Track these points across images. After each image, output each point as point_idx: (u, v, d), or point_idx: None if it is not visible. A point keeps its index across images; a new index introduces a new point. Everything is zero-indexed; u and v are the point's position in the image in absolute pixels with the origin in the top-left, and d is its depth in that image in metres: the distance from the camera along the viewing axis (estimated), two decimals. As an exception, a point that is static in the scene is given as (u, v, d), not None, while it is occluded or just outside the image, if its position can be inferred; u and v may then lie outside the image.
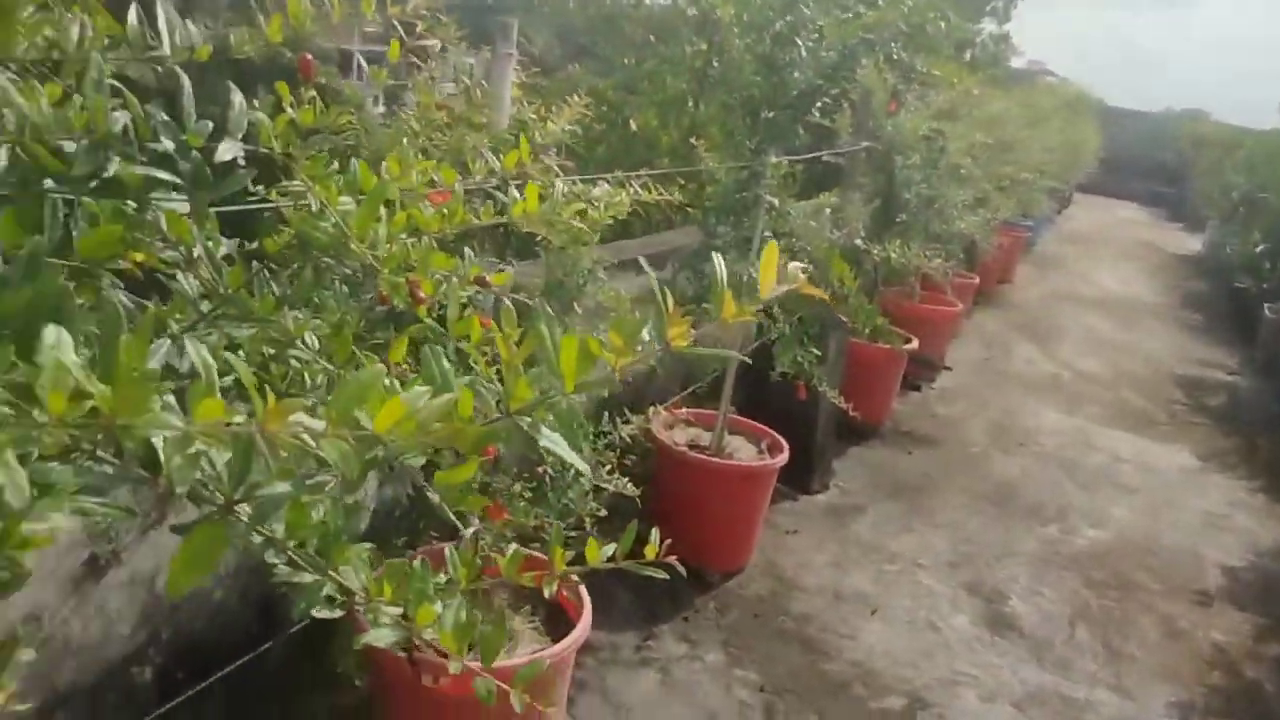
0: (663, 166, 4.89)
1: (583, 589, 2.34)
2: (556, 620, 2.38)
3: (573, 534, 2.57)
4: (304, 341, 1.33)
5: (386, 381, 0.59)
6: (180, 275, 1.24)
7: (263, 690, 2.40)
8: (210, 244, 1.16)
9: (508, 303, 0.86)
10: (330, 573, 0.83)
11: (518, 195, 1.19)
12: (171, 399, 0.68)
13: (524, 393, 0.69)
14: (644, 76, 5.08)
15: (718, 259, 0.77)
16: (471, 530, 2.34)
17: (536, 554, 2.52)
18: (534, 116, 2.12)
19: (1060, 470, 5.35)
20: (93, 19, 1.05)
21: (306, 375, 1.41)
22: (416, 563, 0.93)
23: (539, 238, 2.49)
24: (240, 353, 1.39)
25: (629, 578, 1.33)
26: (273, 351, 1.39)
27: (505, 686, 1.12)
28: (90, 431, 0.61)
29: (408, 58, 1.76)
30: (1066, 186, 14.03)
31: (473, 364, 1.00)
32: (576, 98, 2.13)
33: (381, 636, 0.92)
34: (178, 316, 1.19)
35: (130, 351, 0.56)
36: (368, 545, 0.89)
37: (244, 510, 0.78)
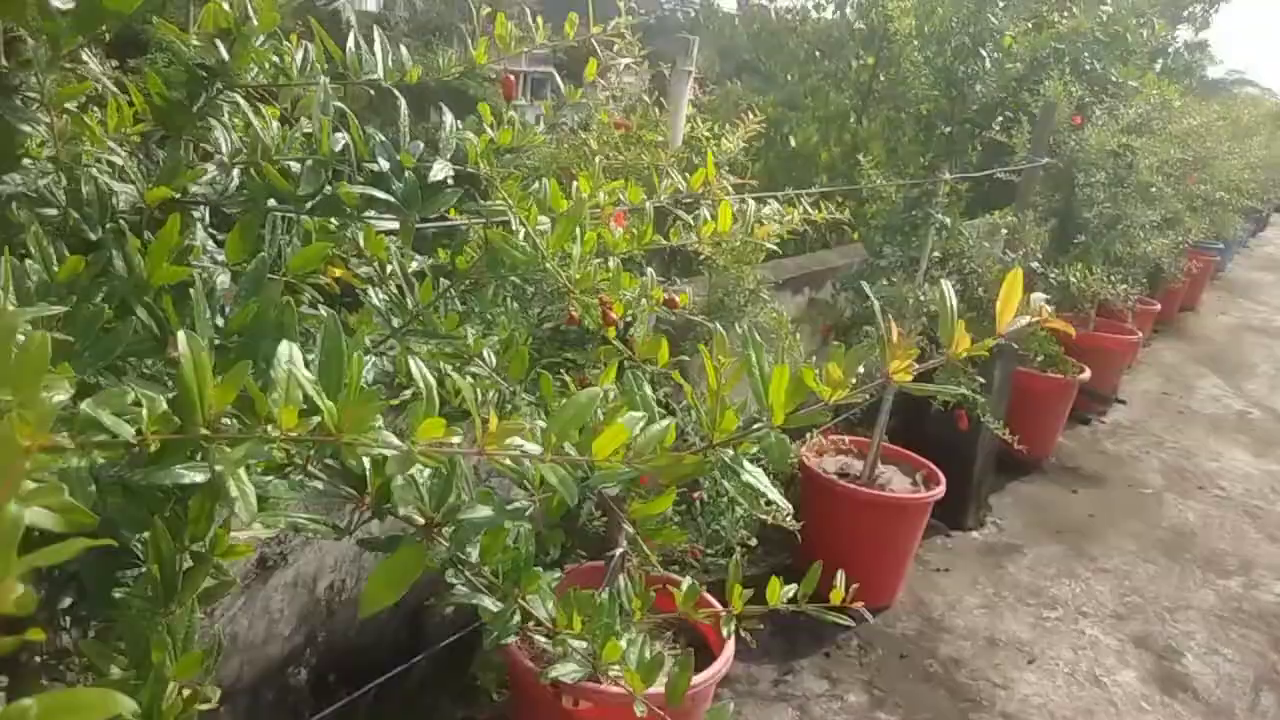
0: (821, 184, 4.79)
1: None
2: (696, 648, 2.34)
3: (720, 560, 2.52)
4: (482, 358, 1.35)
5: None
6: (371, 290, 1.29)
7: (404, 697, 2.48)
8: (403, 260, 1.19)
9: (718, 328, 0.83)
10: (519, 600, 0.83)
11: (707, 215, 1.16)
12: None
13: (729, 424, 0.66)
14: (806, 92, 4.99)
15: (945, 286, 0.71)
16: (620, 551, 2.34)
17: (673, 576, 2.50)
18: (707, 134, 2.10)
19: (1245, 518, 4.88)
20: (315, 46, 1.10)
21: (479, 391, 1.43)
22: (604, 595, 0.92)
23: (702, 256, 2.48)
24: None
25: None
26: (450, 367, 1.42)
27: (659, 712, 1.09)
28: (314, 447, 0.62)
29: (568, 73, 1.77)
30: (1264, 207, 12.88)
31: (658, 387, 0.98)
32: (750, 114, 2.09)
33: (569, 671, 0.91)
34: (367, 331, 1.23)
35: (356, 368, 0.57)
36: (556, 575, 0.88)
37: (444, 532, 0.78)
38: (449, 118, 0.97)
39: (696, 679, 2.09)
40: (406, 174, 0.89)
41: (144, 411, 0.54)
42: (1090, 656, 3.44)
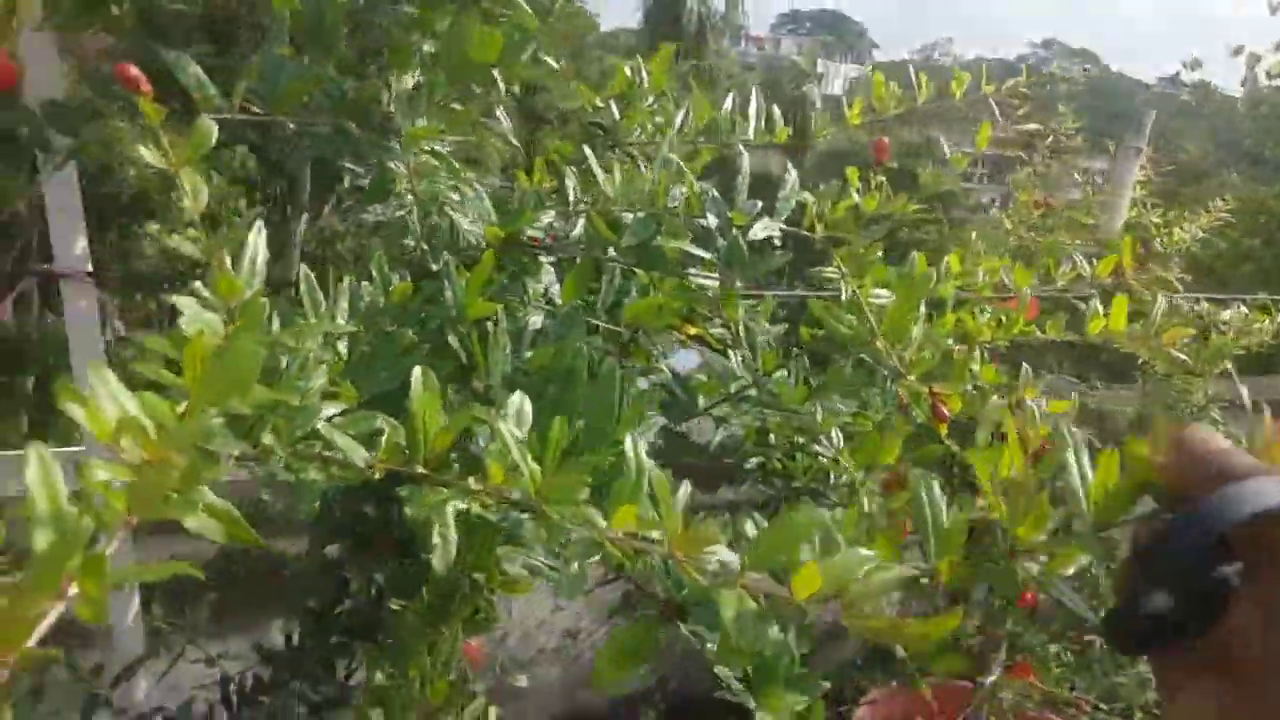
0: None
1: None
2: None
3: (1112, 721, 2.07)
4: (828, 438, 1.24)
5: (829, 533, 0.46)
6: (730, 352, 1.26)
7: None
8: (752, 325, 1.14)
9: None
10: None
11: (1099, 308, 0.95)
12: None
13: (1042, 519, 0.50)
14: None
15: None
16: (989, 680, 2.03)
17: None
18: (1156, 220, 1.77)
19: None
20: (693, 107, 1.12)
21: (831, 473, 1.33)
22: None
23: (1140, 360, 2.09)
24: (770, 437, 1.37)
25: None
26: (800, 440, 1.34)
27: None
28: (513, 506, 0.58)
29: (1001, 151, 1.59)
30: None
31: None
32: (1220, 203, 1.72)
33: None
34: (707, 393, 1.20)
35: (556, 435, 0.52)
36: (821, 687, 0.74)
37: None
38: (791, 175, 0.90)
39: None
40: (733, 232, 0.84)
41: (383, 440, 0.55)
42: None
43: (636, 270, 0.95)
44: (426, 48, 0.84)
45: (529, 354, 0.79)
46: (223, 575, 2.03)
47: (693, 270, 0.87)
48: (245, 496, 0.62)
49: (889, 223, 1.01)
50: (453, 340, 0.76)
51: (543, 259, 0.93)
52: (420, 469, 0.54)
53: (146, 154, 0.55)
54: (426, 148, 0.84)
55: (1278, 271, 4.53)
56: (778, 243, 0.88)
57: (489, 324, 0.73)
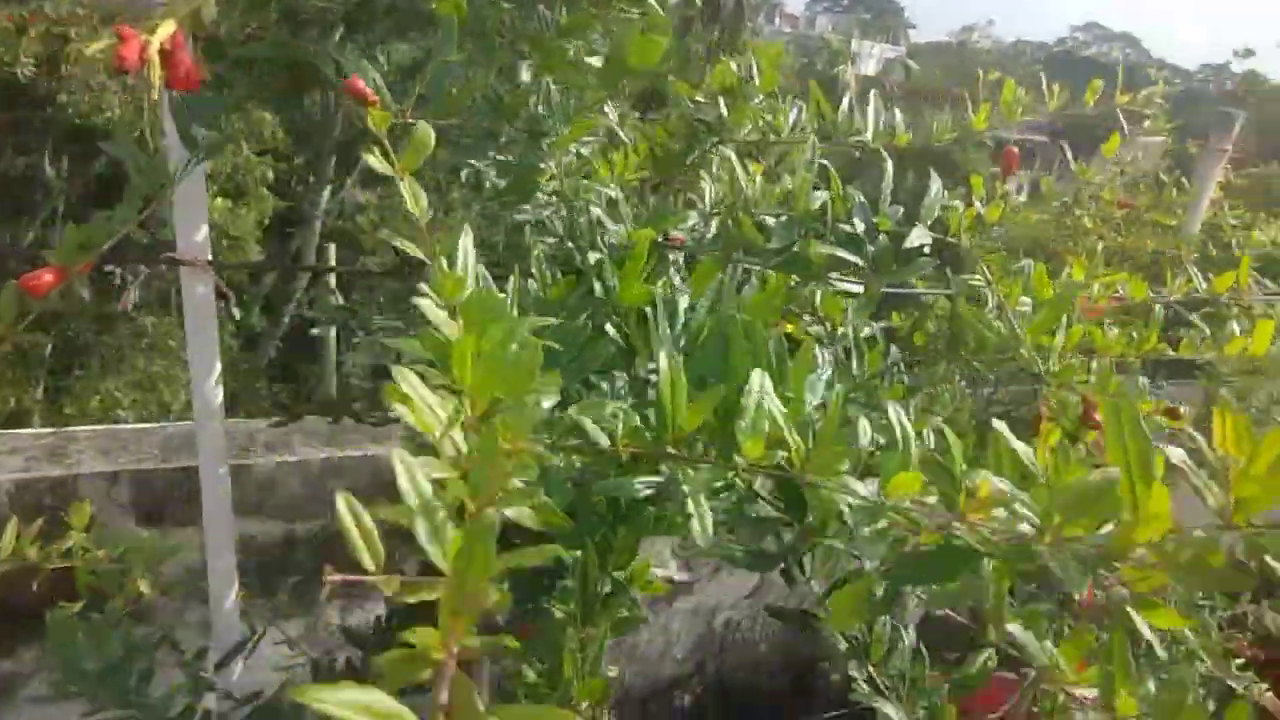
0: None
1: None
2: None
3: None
4: (920, 436, 1.26)
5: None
6: (819, 350, 1.27)
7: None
8: (858, 325, 1.15)
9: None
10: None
11: (1235, 329, 0.96)
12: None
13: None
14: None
15: None
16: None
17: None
18: (1233, 223, 1.77)
19: None
20: (808, 105, 1.12)
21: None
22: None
23: (1200, 360, 2.09)
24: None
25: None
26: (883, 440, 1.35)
27: None
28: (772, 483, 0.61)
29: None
30: None
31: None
32: (1303, 204, 1.72)
33: None
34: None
35: (834, 409, 0.54)
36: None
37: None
38: (936, 184, 0.91)
39: None
40: (880, 238, 0.85)
41: (619, 423, 0.58)
42: None
43: (761, 272, 0.96)
44: (571, 51, 0.85)
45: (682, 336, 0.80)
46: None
47: (835, 275, 0.88)
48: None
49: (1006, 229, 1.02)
50: (610, 329, 0.78)
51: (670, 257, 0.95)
52: (670, 449, 0.57)
53: (373, 161, 0.57)
54: (577, 149, 0.85)
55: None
56: (926, 249, 0.89)
57: (648, 309, 0.76)
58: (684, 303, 0.83)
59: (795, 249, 0.86)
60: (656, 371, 0.76)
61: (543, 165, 0.85)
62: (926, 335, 1.10)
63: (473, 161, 0.83)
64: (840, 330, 1.28)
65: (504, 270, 0.82)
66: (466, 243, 0.62)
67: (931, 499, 0.50)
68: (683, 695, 2.59)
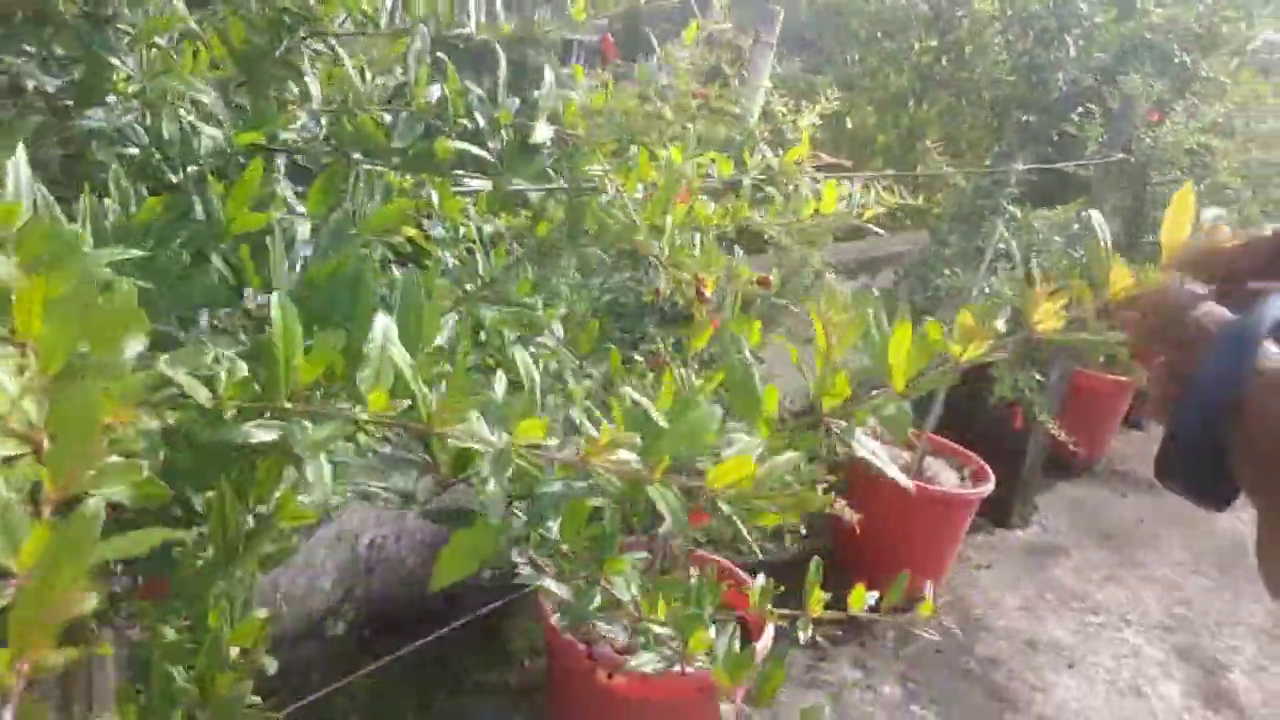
0: (876, 167, 4.67)
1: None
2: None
3: (769, 545, 2.48)
4: (551, 329, 1.30)
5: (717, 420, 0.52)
6: (444, 253, 1.25)
7: (437, 658, 2.49)
8: (480, 223, 1.15)
9: (830, 278, 0.77)
10: (602, 583, 0.79)
11: (807, 194, 1.11)
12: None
13: (841, 389, 0.61)
14: (866, 74, 4.87)
15: (1096, 216, 0.65)
16: (662, 529, 2.30)
17: (709, 556, 2.47)
18: (784, 110, 2.03)
19: (1302, 539, 4.73)
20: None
21: (542, 363, 1.39)
22: (693, 580, 0.87)
23: (768, 235, 2.41)
24: (482, 334, 1.39)
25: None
26: (514, 336, 1.38)
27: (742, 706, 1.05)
28: (398, 431, 0.58)
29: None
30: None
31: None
32: (831, 92, 2.01)
33: (646, 661, 0.86)
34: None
35: (461, 359, 0.53)
36: (643, 554, 0.84)
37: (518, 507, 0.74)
38: (550, 75, 0.92)
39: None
40: (503, 132, 0.84)
41: (223, 375, 0.50)
42: (1133, 665, 3.36)
43: (379, 175, 0.91)
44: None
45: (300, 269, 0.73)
46: None
47: (460, 172, 0.86)
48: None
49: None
50: (216, 260, 0.69)
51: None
52: (287, 404, 0.51)
53: None
54: (159, 42, 0.72)
55: (834, 149, 5.27)
56: (549, 143, 0.90)
57: (266, 239, 0.67)
58: (304, 229, 0.75)
59: (421, 146, 0.82)
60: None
61: (115, 61, 0.70)
62: (548, 227, 1.13)
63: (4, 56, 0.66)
64: (463, 230, 1.27)
65: (66, 191, 0.68)
66: (20, 159, 0.50)
67: (554, 442, 0.51)
68: (335, 624, 2.52)
